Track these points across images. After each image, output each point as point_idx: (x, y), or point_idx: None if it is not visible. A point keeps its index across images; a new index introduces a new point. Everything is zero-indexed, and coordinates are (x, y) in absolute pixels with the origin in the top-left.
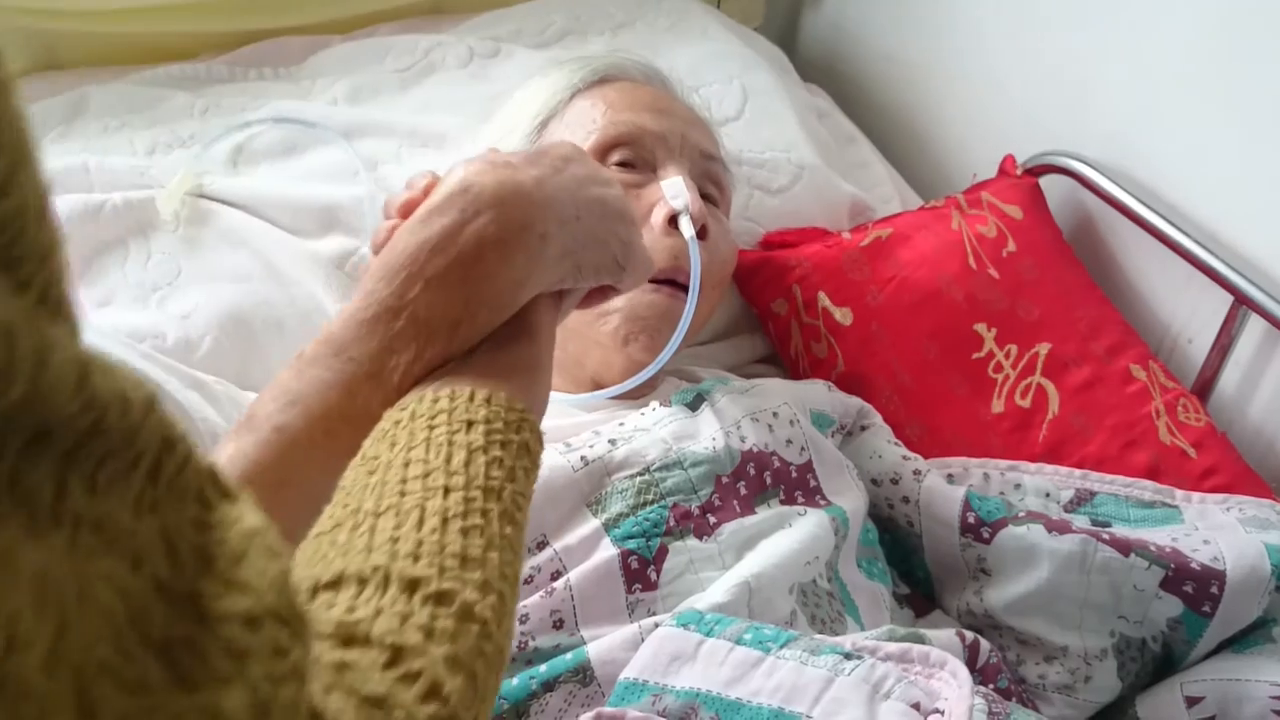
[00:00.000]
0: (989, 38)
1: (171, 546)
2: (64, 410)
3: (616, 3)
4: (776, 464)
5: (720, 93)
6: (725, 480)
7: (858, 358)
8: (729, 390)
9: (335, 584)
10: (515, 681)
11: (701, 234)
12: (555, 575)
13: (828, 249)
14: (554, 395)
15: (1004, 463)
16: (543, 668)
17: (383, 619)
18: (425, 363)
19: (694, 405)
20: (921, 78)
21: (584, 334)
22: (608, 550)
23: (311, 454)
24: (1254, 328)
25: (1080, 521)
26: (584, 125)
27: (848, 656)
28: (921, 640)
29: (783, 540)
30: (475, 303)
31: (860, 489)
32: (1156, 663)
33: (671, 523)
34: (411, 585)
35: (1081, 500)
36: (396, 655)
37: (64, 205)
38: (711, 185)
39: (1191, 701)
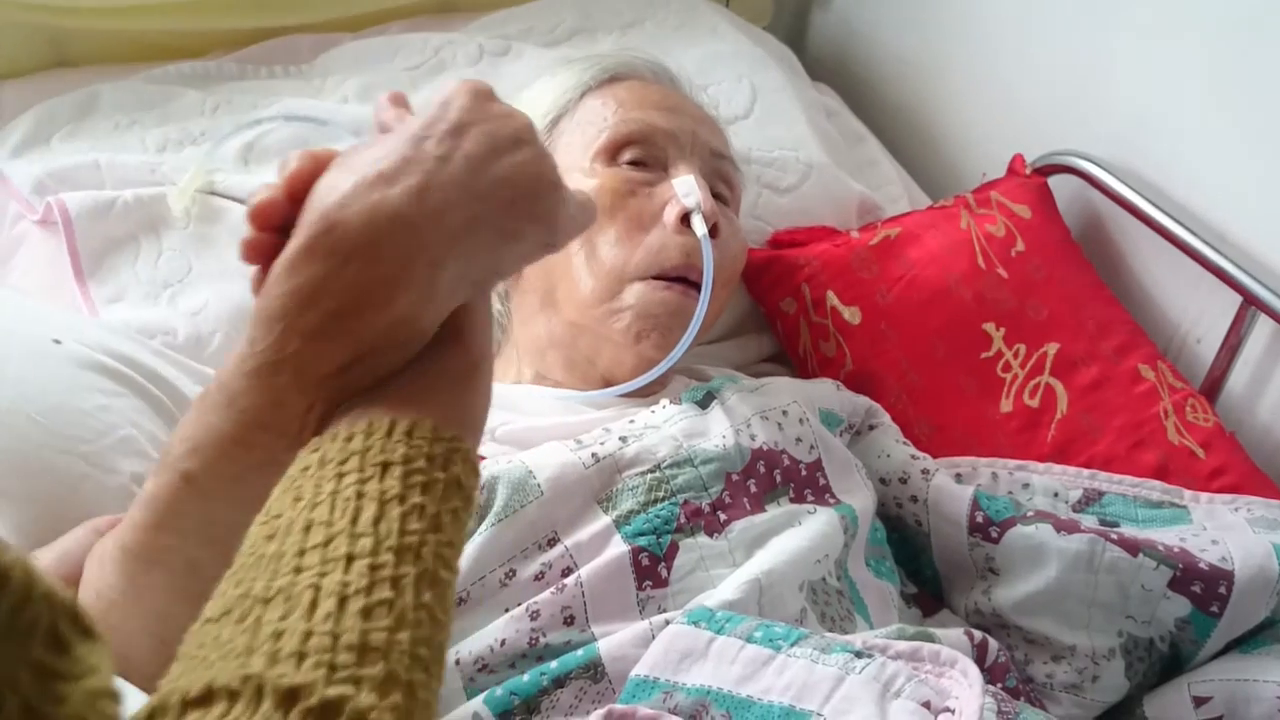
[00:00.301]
0: (998, 37)
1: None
2: None
3: (626, 1)
4: (786, 462)
5: (729, 91)
6: (736, 478)
7: (866, 357)
8: (739, 388)
9: (205, 699)
10: (526, 678)
11: (713, 232)
12: (566, 572)
13: (836, 248)
14: (564, 393)
15: (1012, 462)
16: (554, 664)
17: None
18: (324, 407)
19: (704, 403)
20: (930, 77)
21: (596, 331)
22: (618, 547)
23: (219, 501)
24: (1263, 328)
25: (1088, 521)
26: (595, 123)
27: (858, 655)
28: (931, 639)
29: (793, 538)
30: (365, 349)
31: (869, 488)
32: (1164, 662)
33: (682, 520)
34: (290, 697)
35: (1090, 500)
36: None
37: (75, 202)
38: (722, 184)
39: (1199, 701)
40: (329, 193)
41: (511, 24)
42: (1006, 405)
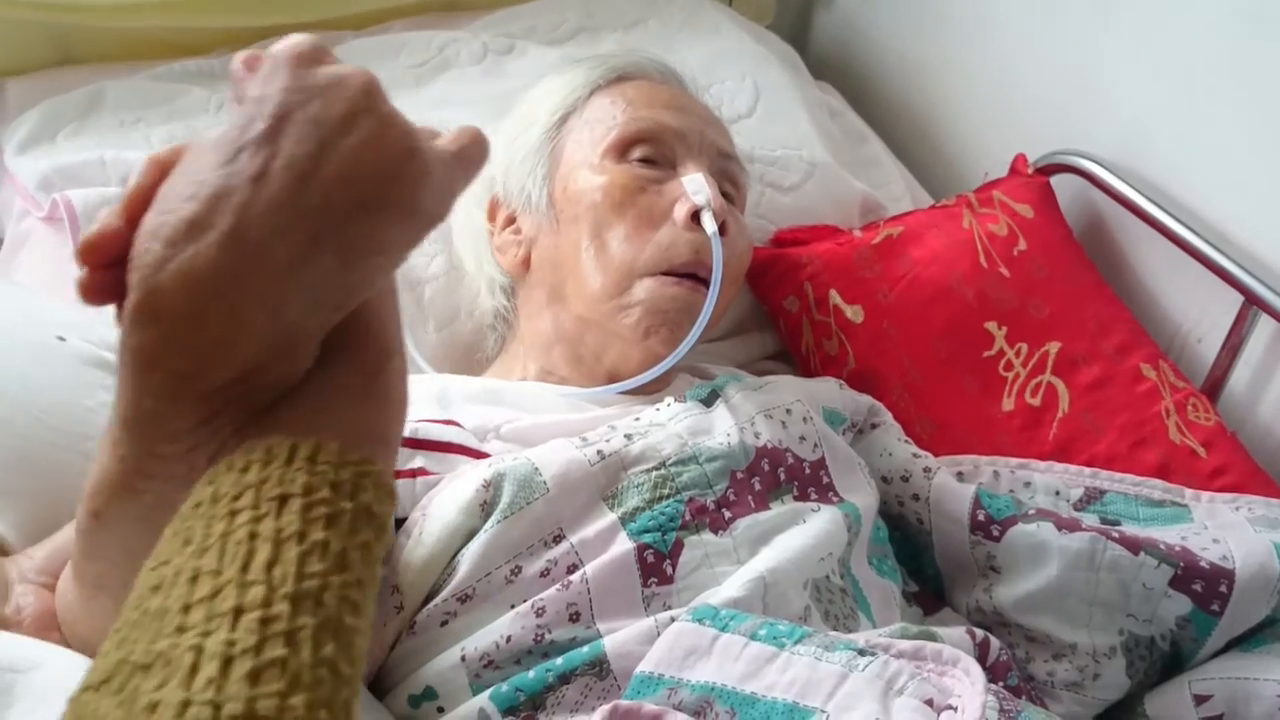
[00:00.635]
0: (1000, 37)
1: None
2: None
3: (630, 0)
4: (790, 460)
5: (732, 90)
6: (740, 476)
7: (869, 355)
8: (743, 387)
9: None
10: (532, 674)
11: (722, 230)
12: (572, 568)
13: (839, 246)
14: (568, 390)
15: (1014, 461)
16: (559, 660)
17: None
18: (213, 446)
19: (708, 401)
20: (933, 76)
21: (604, 326)
22: (624, 544)
23: (132, 534)
24: (1264, 328)
25: (1090, 520)
26: (605, 121)
27: (861, 653)
28: (934, 638)
29: (797, 536)
30: (218, 407)
31: (872, 486)
32: (1165, 661)
33: (687, 517)
34: None
35: (1091, 499)
36: None
37: (80, 199)
38: (728, 183)
39: (1200, 700)
40: (147, 243)
41: (515, 22)
42: (1008, 404)
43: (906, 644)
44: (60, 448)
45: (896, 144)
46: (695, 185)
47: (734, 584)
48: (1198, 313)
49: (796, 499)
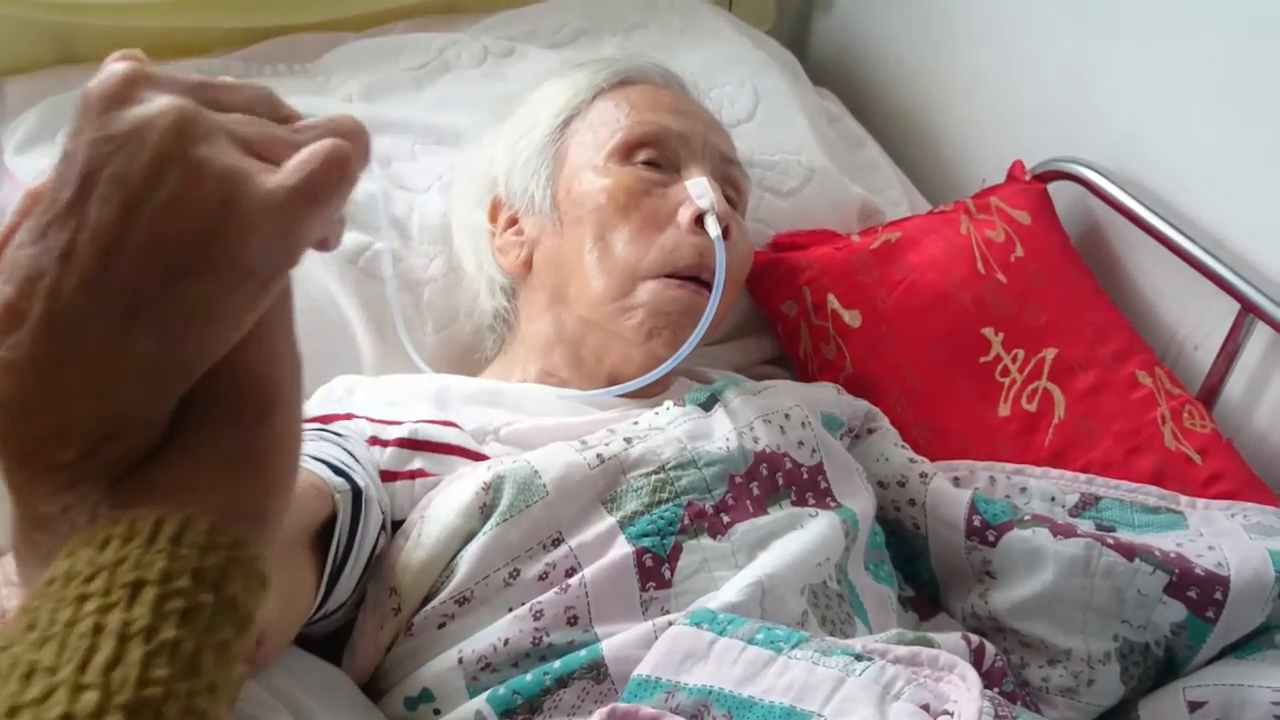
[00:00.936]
0: (999, 44)
1: None
2: None
3: (630, 4)
4: (788, 465)
5: (732, 94)
6: (739, 480)
7: (866, 360)
8: (741, 391)
9: None
10: (529, 677)
11: (725, 234)
12: (570, 572)
13: (837, 251)
14: (567, 392)
15: (1010, 466)
16: (557, 664)
17: None
18: (87, 508)
19: (707, 405)
20: (931, 83)
21: (606, 328)
22: (623, 548)
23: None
24: (1260, 335)
25: (1085, 526)
26: (609, 124)
27: (858, 658)
28: (930, 644)
29: (795, 541)
30: (74, 477)
31: (869, 491)
32: (1159, 667)
33: (686, 521)
34: None
35: (1086, 505)
36: None
37: None
38: (730, 188)
39: (1194, 706)
40: None
41: (516, 25)
42: (1004, 409)
43: (903, 649)
44: None
45: (895, 149)
46: (699, 189)
47: (732, 589)
48: (1194, 320)
49: (794, 504)
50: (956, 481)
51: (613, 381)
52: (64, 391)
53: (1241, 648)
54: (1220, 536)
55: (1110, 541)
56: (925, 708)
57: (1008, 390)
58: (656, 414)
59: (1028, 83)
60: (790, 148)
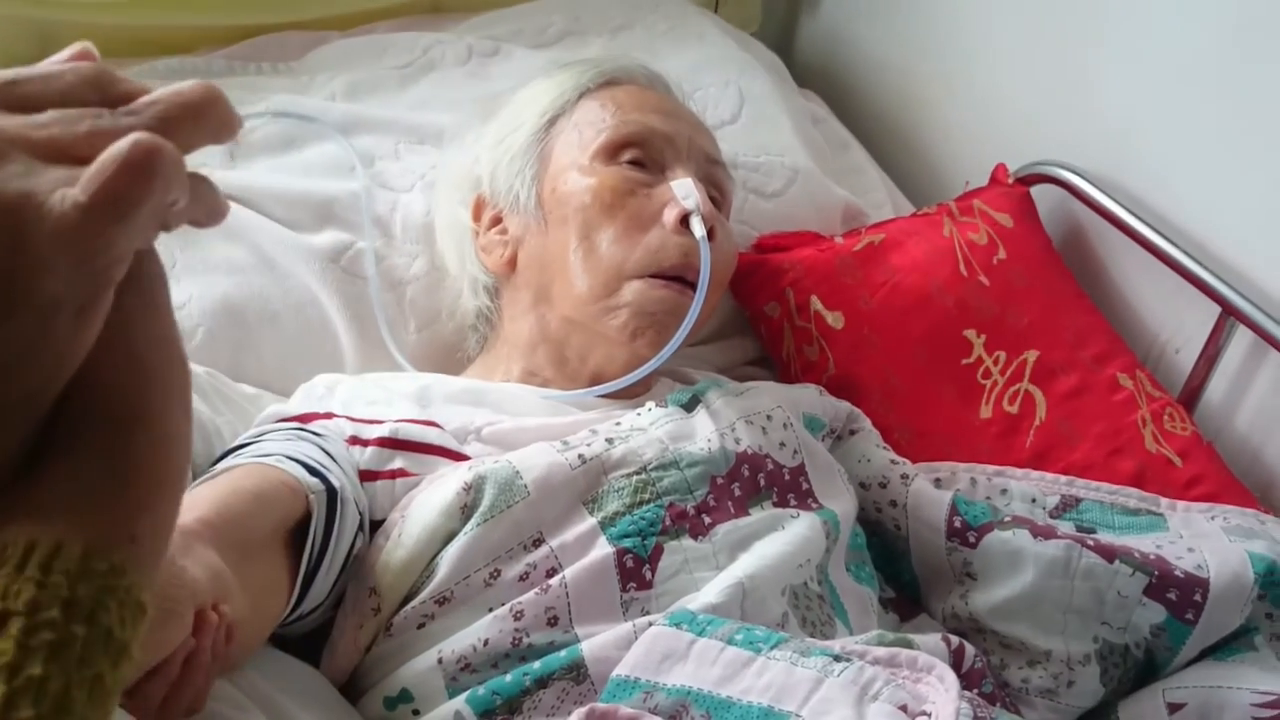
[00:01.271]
0: (984, 47)
1: None
2: None
3: (616, 5)
4: (770, 466)
5: (717, 96)
6: (720, 481)
7: (849, 361)
8: (724, 392)
9: None
10: (509, 678)
11: (710, 235)
12: (551, 572)
13: (821, 253)
14: (550, 392)
15: (991, 468)
16: (536, 664)
17: None
18: None
19: (689, 406)
20: (916, 86)
21: (590, 328)
22: (603, 549)
23: None
24: (1241, 339)
25: (1065, 528)
26: (594, 124)
27: (837, 659)
28: (910, 645)
29: (776, 542)
30: None
31: (850, 493)
32: (1139, 669)
33: (667, 522)
34: None
35: (1067, 506)
36: None
37: None
38: (715, 189)
39: (1173, 708)
40: None
41: (501, 25)
42: (986, 411)
43: (882, 650)
44: None
45: (879, 152)
46: (684, 190)
47: (713, 590)
48: (1175, 323)
49: (776, 505)
50: (938, 483)
51: (596, 382)
52: None
53: (1221, 650)
54: (1200, 539)
55: (1090, 543)
56: (903, 708)
57: (989, 392)
58: (639, 415)
59: (1012, 86)
60: (775, 150)
